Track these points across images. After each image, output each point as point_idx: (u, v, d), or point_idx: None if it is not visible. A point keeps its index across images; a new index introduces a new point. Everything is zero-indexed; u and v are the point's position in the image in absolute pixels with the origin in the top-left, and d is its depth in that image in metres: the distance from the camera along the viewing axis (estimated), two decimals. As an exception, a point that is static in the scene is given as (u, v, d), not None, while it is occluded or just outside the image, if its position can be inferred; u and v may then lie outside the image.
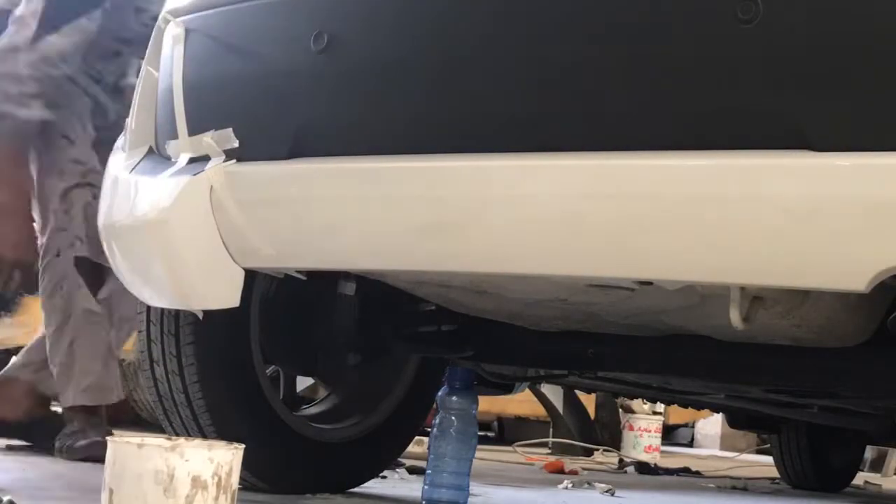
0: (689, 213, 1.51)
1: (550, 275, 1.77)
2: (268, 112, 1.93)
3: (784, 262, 1.48)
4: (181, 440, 1.46)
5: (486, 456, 4.68)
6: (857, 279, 1.43)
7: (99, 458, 1.78)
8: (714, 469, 5.42)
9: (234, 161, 1.93)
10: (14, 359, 3.48)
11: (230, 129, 1.94)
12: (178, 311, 2.33)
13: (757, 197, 1.47)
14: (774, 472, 4.95)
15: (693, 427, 9.43)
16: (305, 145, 1.86)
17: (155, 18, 2.19)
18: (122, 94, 2.95)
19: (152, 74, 2.16)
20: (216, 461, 1.43)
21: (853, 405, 3.07)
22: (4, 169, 2.93)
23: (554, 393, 5.63)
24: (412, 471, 3.30)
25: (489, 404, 5.81)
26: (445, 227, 1.71)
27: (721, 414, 5.00)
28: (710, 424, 9.11)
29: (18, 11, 2.90)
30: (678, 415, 6.96)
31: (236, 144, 1.93)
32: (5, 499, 1.91)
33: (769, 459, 5.39)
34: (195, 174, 1.94)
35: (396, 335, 2.57)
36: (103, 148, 2.66)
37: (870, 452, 6.64)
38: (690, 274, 1.57)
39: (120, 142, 2.26)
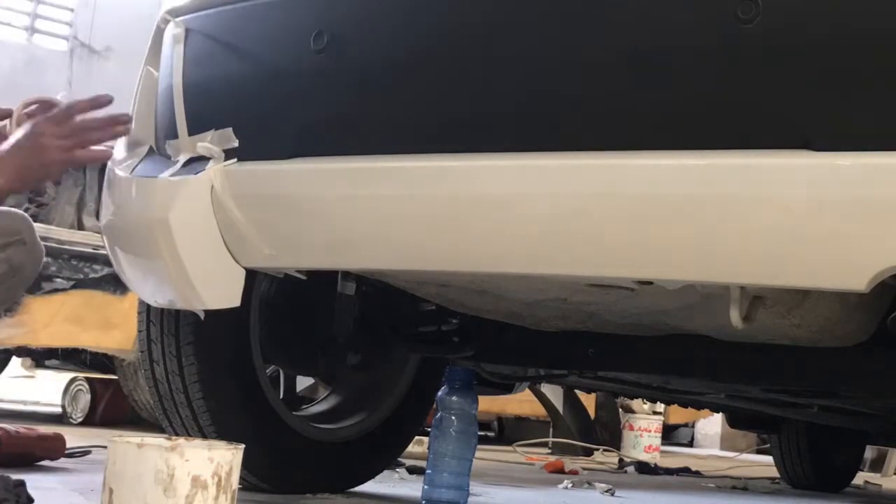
0: (689, 213, 1.51)
1: (550, 275, 1.77)
2: (268, 112, 1.93)
3: (784, 262, 1.48)
4: (181, 440, 1.46)
5: (486, 456, 4.68)
6: (857, 279, 1.43)
7: None
8: (714, 469, 5.43)
9: (234, 161, 1.93)
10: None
11: (230, 129, 1.94)
12: (178, 311, 2.33)
13: (757, 197, 1.47)
14: (774, 472, 4.95)
15: (693, 427, 9.44)
16: (305, 145, 1.86)
17: None
18: None
19: (152, 74, 2.16)
20: (216, 461, 1.43)
21: (853, 405, 3.07)
22: None
23: (554, 393, 5.64)
24: (412, 471, 3.30)
25: (489, 404, 5.81)
26: (445, 227, 1.71)
27: (721, 414, 5.01)
28: (710, 424, 9.12)
29: None
30: (678, 415, 6.96)
31: (236, 144, 1.93)
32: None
33: (769, 459, 5.39)
34: (196, 174, 1.94)
35: (396, 335, 2.57)
36: None
37: (870, 452, 6.65)
38: (690, 274, 1.57)
39: (120, 142, 2.25)
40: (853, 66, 1.44)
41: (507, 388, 3.01)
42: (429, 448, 2.38)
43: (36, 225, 3.14)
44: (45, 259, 4.03)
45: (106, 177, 2.25)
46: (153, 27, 2.18)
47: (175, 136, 2.03)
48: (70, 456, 2.93)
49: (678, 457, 6.46)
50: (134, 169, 2.11)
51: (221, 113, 1.97)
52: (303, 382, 3.30)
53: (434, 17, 1.77)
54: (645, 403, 5.72)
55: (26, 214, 2.51)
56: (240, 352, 2.46)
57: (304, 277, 2.13)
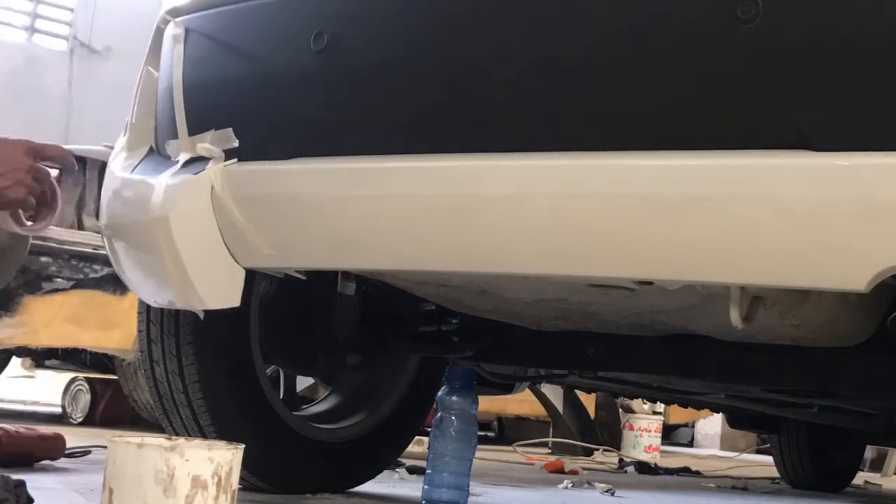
0: (688, 213, 1.51)
1: (550, 275, 1.77)
2: (268, 112, 1.93)
3: (784, 262, 1.48)
4: (181, 440, 1.46)
5: (486, 456, 4.68)
6: (857, 279, 1.43)
7: None
8: (714, 469, 5.43)
9: (234, 161, 1.93)
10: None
11: (230, 129, 1.94)
12: (178, 311, 2.33)
13: (757, 197, 1.47)
14: (774, 472, 4.95)
15: (693, 427, 9.44)
16: (305, 145, 1.86)
17: None
18: None
19: (152, 74, 2.16)
20: (216, 461, 1.43)
21: (853, 405, 3.07)
22: None
23: (554, 393, 5.64)
24: (412, 471, 3.30)
25: (489, 404, 5.81)
26: (445, 227, 1.71)
27: (721, 414, 5.01)
28: (710, 424, 9.12)
29: None
30: (678, 415, 6.96)
31: (236, 144, 1.93)
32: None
33: (769, 459, 5.39)
34: (196, 174, 1.94)
35: (396, 335, 2.57)
36: None
37: (870, 452, 6.65)
38: (690, 274, 1.57)
39: (120, 142, 2.26)
40: (853, 66, 1.44)
41: (507, 388, 3.01)
42: (429, 448, 2.38)
43: (36, 225, 3.14)
44: (45, 259, 4.00)
45: (106, 177, 2.25)
46: (153, 27, 2.18)
47: (175, 136, 2.03)
48: (70, 456, 2.93)
49: (678, 457, 6.45)
50: (134, 169, 2.11)
51: (221, 113, 1.97)
52: (303, 382, 3.30)
53: (434, 17, 1.77)
54: (645, 403, 5.72)
55: None
56: (240, 352, 2.46)
57: (304, 277, 2.13)
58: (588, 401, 5.83)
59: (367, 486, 2.81)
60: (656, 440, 5.77)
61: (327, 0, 1.91)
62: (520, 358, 2.59)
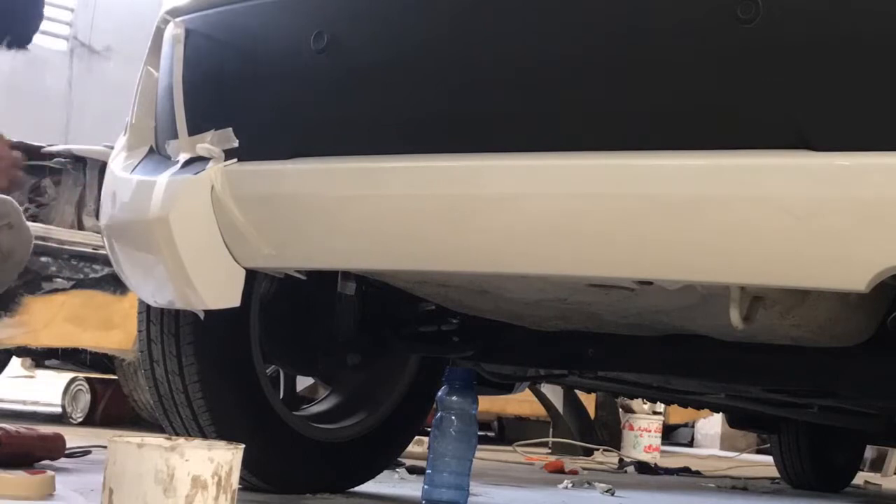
0: (688, 213, 1.51)
1: (550, 275, 1.77)
2: (268, 112, 1.93)
3: (784, 262, 1.48)
4: (181, 440, 1.46)
5: (486, 456, 4.68)
6: (857, 279, 1.43)
7: None
8: (714, 469, 5.42)
9: (234, 161, 1.93)
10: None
11: (230, 129, 1.94)
12: (178, 311, 2.33)
13: (757, 197, 1.47)
14: (774, 472, 4.95)
15: (693, 427, 9.43)
16: (305, 145, 1.86)
17: None
18: None
19: (152, 74, 2.16)
20: (216, 461, 1.43)
21: (853, 405, 3.07)
22: None
23: (554, 393, 5.63)
24: (412, 471, 3.30)
25: (489, 404, 5.81)
26: (445, 227, 1.71)
27: (721, 414, 5.01)
28: (710, 424, 9.11)
29: None
30: (678, 415, 6.96)
31: (236, 144, 1.93)
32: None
33: (769, 459, 5.39)
34: (196, 174, 1.94)
35: (396, 335, 2.57)
36: None
37: (870, 452, 6.64)
38: (690, 274, 1.57)
39: (120, 142, 2.26)
40: (853, 66, 1.44)
41: (507, 388, 3.01)
42: (429, 448, 2.38)
43: (36, 225, 3.13)
44: (45, 259, 4.00)
45: (106, 177, 2.25)
46: (153, 27, 2.18)
47: (175, 136, 2.04)
48: (70, 456, 2.93)
49: (678, 457, 6.45)
50: (134, 169, 2.12)
51: (221, 113, 1.97)
52: (303, 382, 3.30)
53: (434, 17, 1.77)
54: (645, 403, 5.71)
55: (10, 198, 2.51)
56: (240, 352, 2.46)
57: (304, 277, 2.13)
58: (588, 401, 5.83)
59: (367, 486, 2.81)
60: (656, 440, 5.77)
61: (327, 0, 1.91)
62: (520, 358, 2.59)
